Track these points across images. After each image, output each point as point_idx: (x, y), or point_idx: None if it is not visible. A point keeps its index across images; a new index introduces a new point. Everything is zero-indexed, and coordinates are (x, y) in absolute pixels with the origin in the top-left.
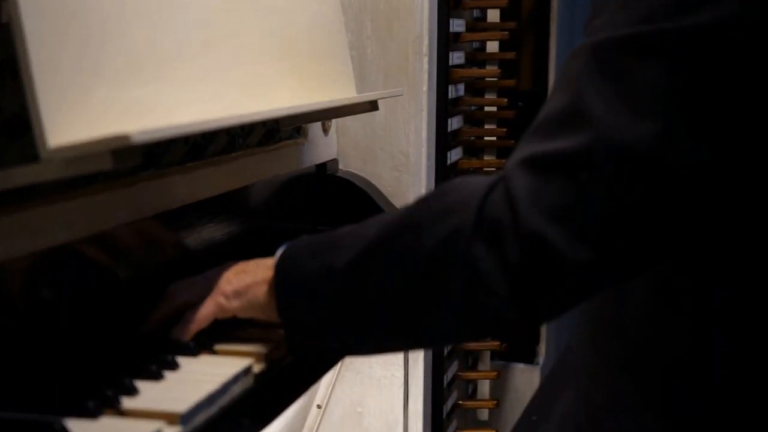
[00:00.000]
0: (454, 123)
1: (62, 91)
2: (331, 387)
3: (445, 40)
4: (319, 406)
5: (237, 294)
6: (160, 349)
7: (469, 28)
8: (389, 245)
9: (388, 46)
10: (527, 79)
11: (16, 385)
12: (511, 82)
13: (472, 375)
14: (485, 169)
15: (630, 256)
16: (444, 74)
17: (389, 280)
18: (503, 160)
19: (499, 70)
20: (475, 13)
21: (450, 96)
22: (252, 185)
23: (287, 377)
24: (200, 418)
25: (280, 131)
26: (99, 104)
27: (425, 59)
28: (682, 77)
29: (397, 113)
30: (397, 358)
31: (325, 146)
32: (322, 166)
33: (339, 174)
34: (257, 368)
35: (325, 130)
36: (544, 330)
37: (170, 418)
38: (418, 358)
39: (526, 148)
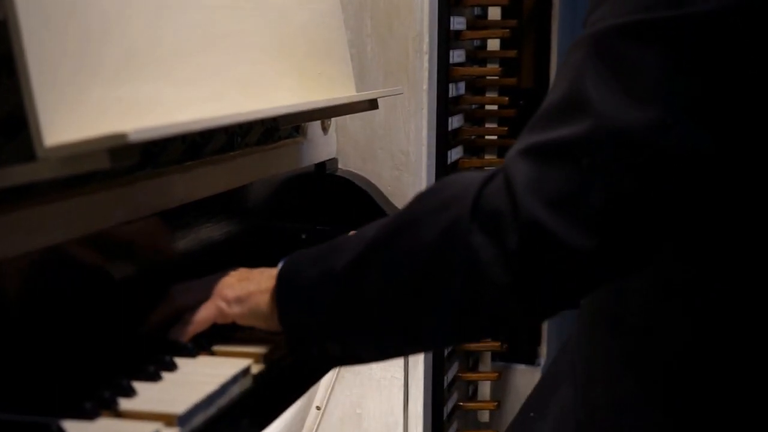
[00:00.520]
0: (455, 122)
1: (59, 90)
2: (330, 388)
3: (446, 38)
4: (318, 408)
5: (238, 300)
6: (157, 349)
7: (470, 26)
8: (387, 243)
9: (388, 44)
10: (528, 78)
11: (13, 386)
12: (512, 81)
13: (472, 376)
14: (486, 168)
15: (631, 244)
16: (444, 72)
17: (388, 278)
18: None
19: (500, 68)
20: (476, 10)
21: (450, 94)
22: (251, 184)
23: (286, 378)
24: (198, 420)
25: (279, 130)
26: (96, 103)
27: (425, 57)
28: (683, 64)
29: (397, 112)
30: (397, 359)
31: (325, 145)
32: (321, 166)
33: (338, 173)
34: (256, 369)
35: (325, 129)
36: (545, 331)
37: (168, 419)
38: (418, 360)
39: (525, 139)
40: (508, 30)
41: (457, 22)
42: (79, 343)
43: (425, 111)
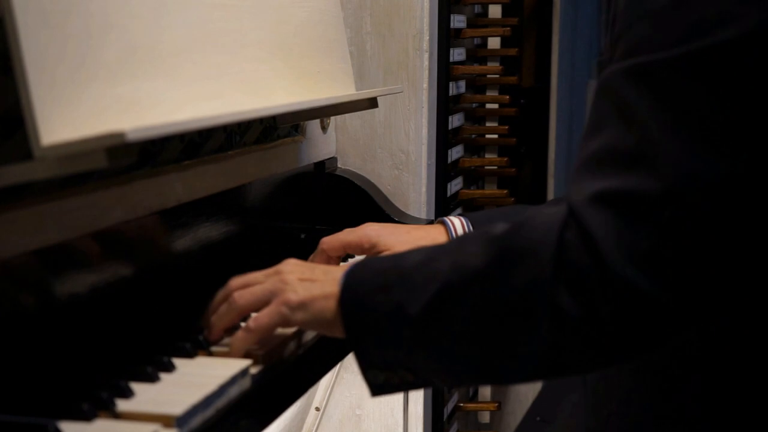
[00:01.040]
0: (455, 120)
1: (56, 88)
2: (329, 389)
3: (446, 37)
4: (317, 409)
5: (302, 306)
6: (155, 350)
7: (470, 24)
8: (464, 292)
9: (387, 43)
10: (529, 76)
11: (10, 387)
12: (513, 79)
13: None
14: (486, 167)
15: (721, 294)
16: (445, 71)
17: (466, 329)
18: (505, 159)
19: (500, 67)
20: (477, 8)
21: (451, 93)
22: (249, 184)
23: (285, 379)
24: (196, 421)
25: (278, 129)
26: (93, 102)
27: (426, 56)
28: (735, 101)
29: (397, 110)
30: None
31: (324, 144)
32: (320, 165)
33: (338, 172)
34: (255, 370)
35: (324, 128)
36: None
37: (166, 420)
38: None
39: (592, 183)
40: (508, 28)
41: (458, 20)
42: (77, 343)
43: (425, 110)
